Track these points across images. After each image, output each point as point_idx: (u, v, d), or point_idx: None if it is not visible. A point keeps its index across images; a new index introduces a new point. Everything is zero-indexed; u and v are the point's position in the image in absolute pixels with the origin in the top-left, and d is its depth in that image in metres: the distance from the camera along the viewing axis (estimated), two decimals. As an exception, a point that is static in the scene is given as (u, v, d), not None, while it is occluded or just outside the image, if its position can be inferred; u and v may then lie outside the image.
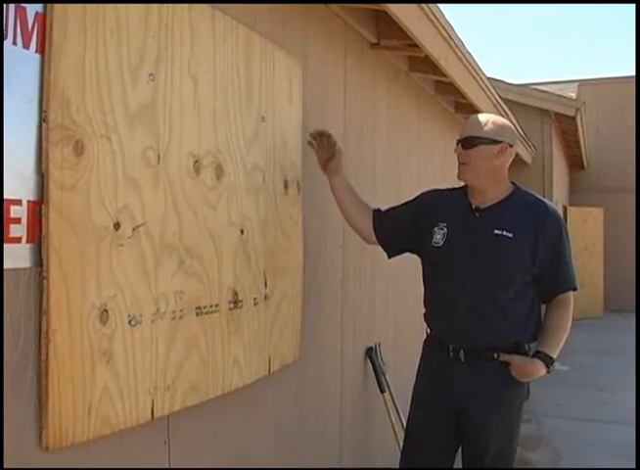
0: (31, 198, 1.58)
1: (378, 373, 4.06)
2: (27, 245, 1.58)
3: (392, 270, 4.24)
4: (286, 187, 2.72)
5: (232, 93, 2.30)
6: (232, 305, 2.32)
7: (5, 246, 1.52)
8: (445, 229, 2.64)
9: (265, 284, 2.55)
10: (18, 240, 1.56)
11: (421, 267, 2.83)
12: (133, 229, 1.84)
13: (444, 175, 5.46)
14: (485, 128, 2.57)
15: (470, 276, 2.56)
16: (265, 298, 2.55)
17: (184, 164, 2.05)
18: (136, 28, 1.84)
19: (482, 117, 2.67)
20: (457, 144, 2.63)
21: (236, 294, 2.34)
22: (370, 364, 4.05)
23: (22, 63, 1.53)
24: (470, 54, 4.66)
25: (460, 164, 2.62)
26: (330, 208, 3.10)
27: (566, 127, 11.14)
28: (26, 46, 1.54)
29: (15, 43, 1.51)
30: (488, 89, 5.57)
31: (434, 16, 3.65)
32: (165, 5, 1.95)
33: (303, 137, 2.88)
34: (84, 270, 1.70)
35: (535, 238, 2.54)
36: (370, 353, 4.03)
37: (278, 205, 2.65)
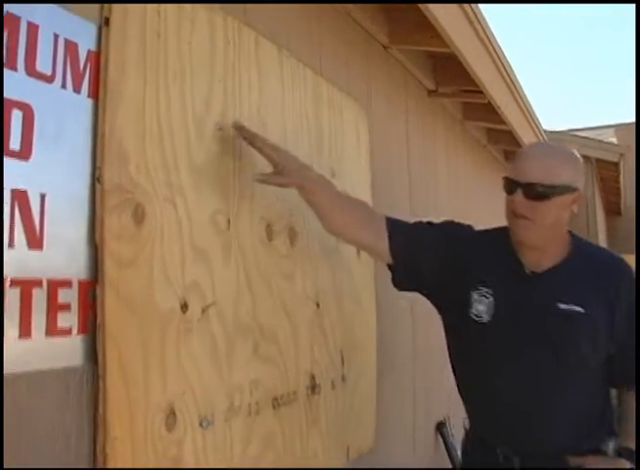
0: (83, 277, 1.27)
1: (449, 448, 3.69)
2: (79, 337, 1.26)
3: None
4: (358, 252, 2.39)
5: (302, 145, 2.00)
6: (310, 392, 1.98)
7: (52, 340, 1.20)
8: (491, 298, 1.91)
9: (342, 363, 2.20)
10: (67, 332, 1.24)
11: (446, 338, 2.11)
12: (203, 310, 1.52)
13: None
14: (561, 172, 1.81)
15: (526, 363, 1.89)
16: (343, 379, 2.20)
17: (256, 228, 1.73)
18: (200, 70, 1.55)
19: (553, 154, 1.86)
20: (513, 188, 1.81)
21: (313, 378, 2.00)
22: (441, 439, 3.67)
23: (73, 109, 1.24)
24: (527, 99, 4.37)
25: (518, 216, 1.82)
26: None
27: (606, 173, 10.77)
28: (77, 90, 1.24)
29: (64, 86, 1.21)
30: (542, 136, 5.27)
31: (499, 58, 3.37)
32: (232, 41, 1.67)
33: (372, 192, 2.57)
34: (147, 364, 1.37)
35: (611, 308, 1.89)
36: (441, 428, 3.66)
37: (352, 270, 2.33)
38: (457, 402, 3.73)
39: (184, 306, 1.45)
